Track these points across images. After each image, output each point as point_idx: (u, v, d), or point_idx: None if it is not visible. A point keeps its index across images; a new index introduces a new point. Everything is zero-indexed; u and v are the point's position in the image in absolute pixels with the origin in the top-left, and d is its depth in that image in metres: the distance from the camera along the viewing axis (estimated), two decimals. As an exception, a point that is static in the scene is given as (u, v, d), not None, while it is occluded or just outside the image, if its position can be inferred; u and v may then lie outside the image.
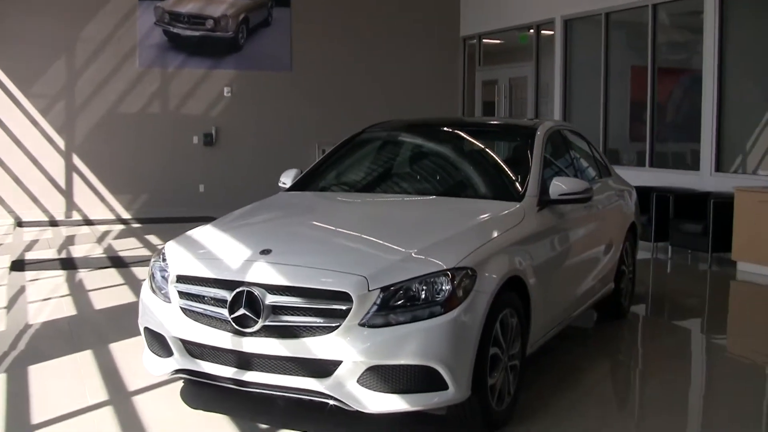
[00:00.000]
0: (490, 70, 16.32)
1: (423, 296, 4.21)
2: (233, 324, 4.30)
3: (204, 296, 4.50)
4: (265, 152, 15.07)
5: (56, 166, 14.19)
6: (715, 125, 10.83)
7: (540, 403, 5.04)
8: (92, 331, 6.82)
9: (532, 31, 14.88)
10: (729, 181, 10.29)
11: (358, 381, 4.15)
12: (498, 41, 16.51)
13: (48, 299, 7.91)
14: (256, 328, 4.24)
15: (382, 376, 4.15)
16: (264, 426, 4.63)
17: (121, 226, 13.50)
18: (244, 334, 4.29)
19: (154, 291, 4.83)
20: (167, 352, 4.67)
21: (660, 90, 12.17)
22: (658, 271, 10.30)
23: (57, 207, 14.18)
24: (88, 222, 13.86)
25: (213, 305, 4.45)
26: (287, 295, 4.25)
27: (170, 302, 4.63)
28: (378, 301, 4.16)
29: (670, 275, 10.17)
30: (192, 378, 4.64)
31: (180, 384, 5.16)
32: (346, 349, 4.12)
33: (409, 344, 4.13)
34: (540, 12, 14.43)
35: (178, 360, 4.60)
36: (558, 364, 5.86)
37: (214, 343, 4.40)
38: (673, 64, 12.51)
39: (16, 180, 13.93)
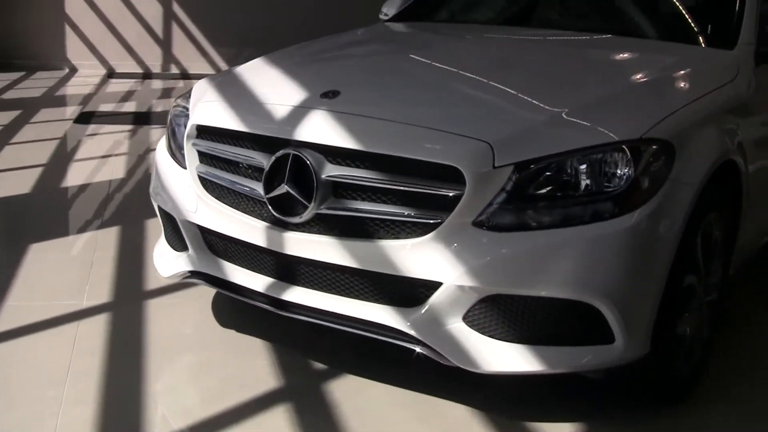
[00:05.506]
0: None
1: (584, 184, 2.47)
2: (271, 208, 2.66)
3: (233, 161, 2.86)
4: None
5: (154, 12, 12.75)
6: None
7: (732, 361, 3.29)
8: (130, 200, 5.30)
9: None
10: None
11: (465, 319, 2.48)
12: None
13: (103, 157, 6.46)
14: (306, 216, 2.59)
15: (506, 314, 2.46)
16: (319, 366, 3.04)
17: (220, 82, 12.01)
18: (286, 226, 2.65)
19: (172, 152, 3.23)
20: (182, 245, 3.10)
21: None
22: None
23: (153, 58, 12.83)
24: (185, 76, 12.49)
25: (245, 176, 2.81)
26: (358, 167, 2.55)
27: (186, 168, 3.03)
28: (509, 187, 2.44)
29: None
30: (211, 286, 3.02)
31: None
32: (449, 263, 2.43)
33: (558, 264, 2.42)
34: None
35: (194, 258, 3.02)
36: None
37: (243, 237, 2.79)
38: None
39: (110, 27, 12.67)
